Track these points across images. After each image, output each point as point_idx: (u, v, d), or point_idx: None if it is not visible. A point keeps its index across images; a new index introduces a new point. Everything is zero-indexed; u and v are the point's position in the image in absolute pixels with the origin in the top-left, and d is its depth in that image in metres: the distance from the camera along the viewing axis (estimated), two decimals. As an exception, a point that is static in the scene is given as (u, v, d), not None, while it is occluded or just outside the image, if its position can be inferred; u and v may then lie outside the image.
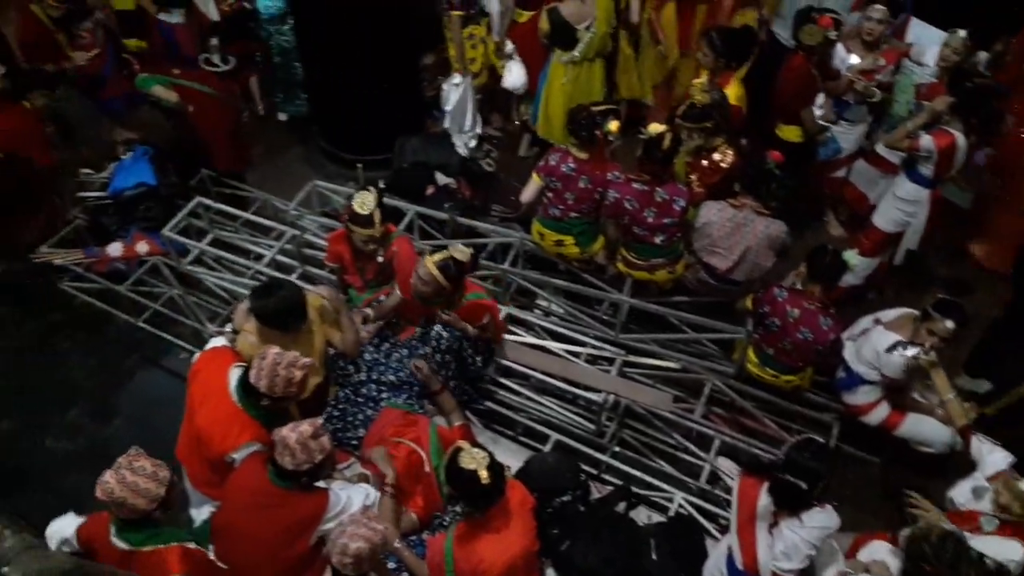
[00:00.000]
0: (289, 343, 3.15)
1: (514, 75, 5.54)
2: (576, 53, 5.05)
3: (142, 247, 4.63)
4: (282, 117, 6.22)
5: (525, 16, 5.44)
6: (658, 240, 4.08)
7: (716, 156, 4.25)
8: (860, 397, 3.83)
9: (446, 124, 5.61)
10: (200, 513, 3.26)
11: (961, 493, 3.23)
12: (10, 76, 4.53)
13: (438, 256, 3.37)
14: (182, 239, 4.58)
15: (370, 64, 5.25)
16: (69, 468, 4.05)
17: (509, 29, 5.53)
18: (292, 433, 2.68)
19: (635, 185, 3.99)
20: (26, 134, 4.58)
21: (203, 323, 4.59)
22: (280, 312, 3.17)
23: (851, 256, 3.68)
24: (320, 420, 2.78)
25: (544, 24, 5.05)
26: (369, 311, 3.80)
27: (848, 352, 3.85)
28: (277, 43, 5.77)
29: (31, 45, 5.04)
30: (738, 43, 4.65)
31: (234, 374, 3.00)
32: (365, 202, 3.59)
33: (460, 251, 3.39)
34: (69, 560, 1.50)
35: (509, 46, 5.50)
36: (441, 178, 5.22)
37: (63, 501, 2.57)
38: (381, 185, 5.11)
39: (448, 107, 5.47)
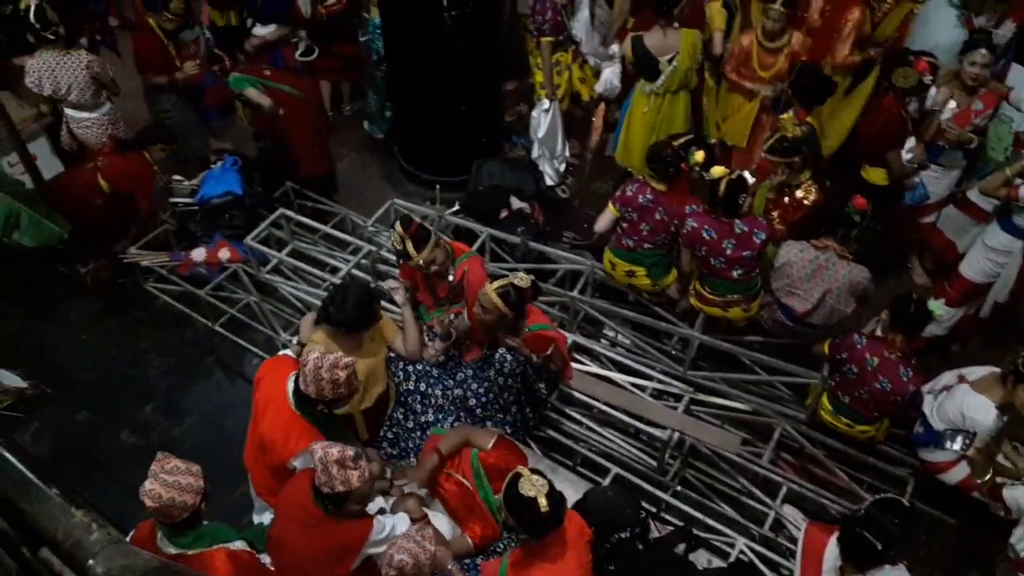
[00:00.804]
0: (354, 352, 3.19)
1: (607, 77, 5.50)
2: (658, 84, 5.02)
3: (224, 253, 4.78)
4: (371, 131, 6.32)
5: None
6: (736, 274, 3.98)
7: (799, 193, 4.15)
8: (939, 455, 3.66)
9: (535, 152, 5.63)
10: (262, 519, 3.32)
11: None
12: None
13: (498, 283, 3.33)
14: (263, 248, 4.72)
15: (452, 87, 5.33)
16: (139, 464, 4.12)
17: (618, 33, 5.53)
18: (320, 451, 2.64)
19: (713, 216, 3.92)
20: (139, 180, 4.83)
21: (277, 331, 4.70)
22: (359, 307, 3.22)
23: (936, 306, 3.55)
24: (351, 451, 2.69)
25: (628, 52, 5.05)
26: (440, 325, 3.79)
27: (928, 407, 3.68)
28: (377, 47, 5.86)
29: (146, 57, 5.29)
30: (815, 87, 4.55)
31: (291, 381, 3.04)
32: (395, 239, 3.60)
33: (521, 278, 3.36)
34: (154, 558, 1.53)
35: (614, 48, 5.47)
36: (515, 202, 5.24)
37: (131, 496, 2.63)
38: (456, 206, 5.24)
39: (539, 134, 5.50)
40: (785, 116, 4.18)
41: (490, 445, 3.38)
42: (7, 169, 5.21)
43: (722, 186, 3.80)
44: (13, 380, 4.45)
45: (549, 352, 3.58)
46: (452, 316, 3.97)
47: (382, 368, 3.57)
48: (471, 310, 3.75)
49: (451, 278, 3.87)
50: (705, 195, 3.96)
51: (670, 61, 4.90)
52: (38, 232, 4.50)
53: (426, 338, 3.80)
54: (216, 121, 5.93)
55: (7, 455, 1.55)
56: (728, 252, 3.91)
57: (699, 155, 4.01)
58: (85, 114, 5.09)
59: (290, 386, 3.03)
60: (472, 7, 4.93)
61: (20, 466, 1.55)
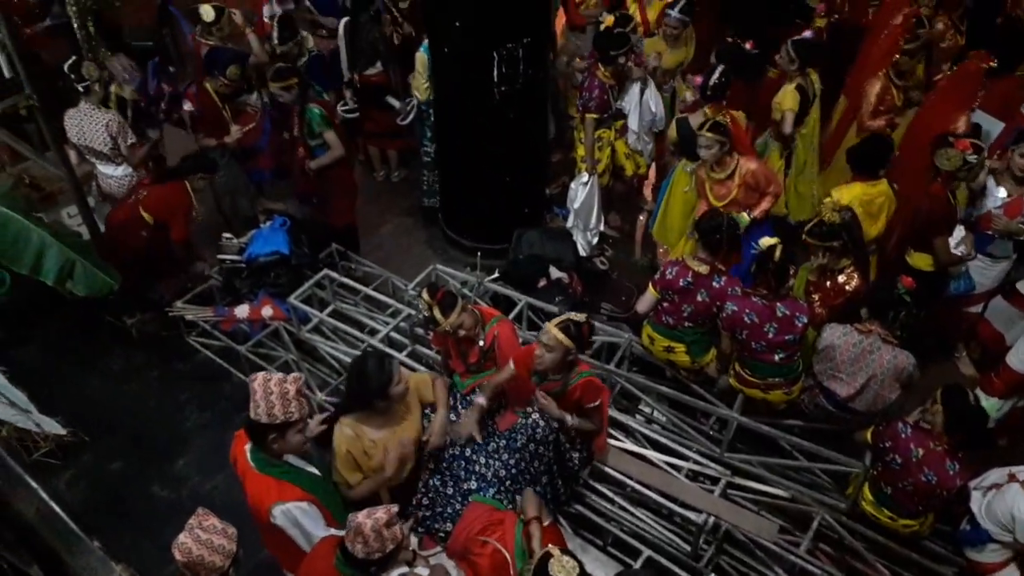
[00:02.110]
0: (390, 426, 3.19)
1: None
2: (691, 167, 5.06)
3: (267, 311, 4.86)
4: (429, 204, 6.42)
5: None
6: (777, 358, 3.94)
7: (841, 278, 4.12)
8: (986, 555, 3.50)
9: (570, 222, 5.70)
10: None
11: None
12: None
13: (556, 320, 3.40)
14: (305, 307, 4.79)
15: (498, 159, 5.46)
16: (170, 518, 4.15)
17: None
18: (368, 520, 2.60)
19: (755, 299, 3.90)
20: (176, 209, 4.96)
21: (313, 390, 4.73)
22: (378, 368, 3.19)
23: (991, 406, 3.44)
24: (395, 508, 2.69)
25: (672, 133, 5.11)
26: (482, 399, 3.77)
27: (975, 504, 3.54)
28: (431, 127, 6.01)
29: (201, 117, 5.52)
30: (872, 154, 4.59)
31: (247, 446, 2.98)
32: (423, 306, 3.62)
33: (576, 314, 3.42)
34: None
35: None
36: (554, 272, 5.27)
37: (161, 551, 2.62)
38: (496, 274, 5.29)
39: (575, 205, 5.58)
40: (827, 200, 4.19)
41: (545, 523, 3.35)
42: (66, 220, 5.43)
43: (777, 253, 3.79)
44: (53, 426, 4.52)
45: (596, 404, 3.56)
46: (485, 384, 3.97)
47: (418, 437, 3.55)
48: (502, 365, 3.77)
49: (481, 343, 3.88)
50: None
51: None
52: (91, 282, 4.62)
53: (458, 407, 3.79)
54: (268, 183, 6.11)
55: (54, 506, 1.57)
56: (770, 336, 3.87)
57: (743, 215, 4.03)
58: (110, 169, 5.31)
59: (247, 450, 2.96)
60: (522, 83, 5.07)
61: (65, 517, 1.57)
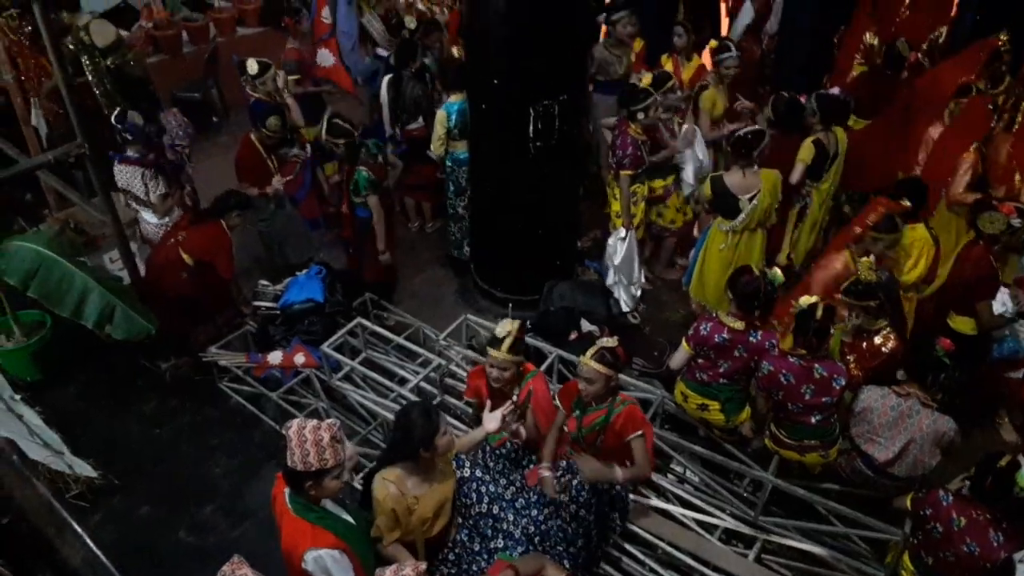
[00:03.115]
0: (430, 481, 3.19)
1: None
2: (737, 222, 5.07)
3: (299, 358, 4.89)
4: (459, 255, 6.46)
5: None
6: (814, 420, 3.86)
7: (877, 340, 4.05)
8: (1035, 632, 3.35)
9: (609, 278, 5.70)
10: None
11: None
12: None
13: (590, 352, 3.49)
14: (337, 355, 4.81)
15: (531, 212, 5.50)
16: (196, 564, 4.17)
17: None
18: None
19: (792, 359, 3.84)
20: (219, 247, 5.09)
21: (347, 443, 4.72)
22: (424, 416, 3.17)
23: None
24: (423, 566, 2.66)
25: (707, 191, 5.13)
26: (546, 472, 3.71)
27: (1022, 576, 3.41)
28: (455, 181, 6.12)
29: (244, 168, 5.67)
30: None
31: (286, 489, 2.98)
32: (505, 326, 3.67)
33: (606, 341, 3.48)
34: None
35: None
36: (586, 325, 5.27)
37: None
38: (528, 325, 5.29)
39: (616, 260, 5.58)
40: (864, 260, 4.15)
41: None
42: (108, 264, 5.55)
43: (819, 312, 3.75)
44: (84, 469, 4.55)
45: (639, 434, 3.56)
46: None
47: (451, 496, 3.51)
48: (542, 425, 3.75)
49: (515, 398, 3.87)
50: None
51: (751, 199, 4.97)
52: (129, 326, 4.70)
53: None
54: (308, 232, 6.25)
55: (99, 555, 1.56)
56: (807, 398, 3.81)
57: (778, 273, 4.01)
58: (149, 215, 5.45)
59: (285, 494, 2.96)
60: (556, 139, 5.14)
61: (110, 566, 1.56)
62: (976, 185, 5.06)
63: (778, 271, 4.00)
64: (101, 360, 5.36)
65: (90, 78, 6.48)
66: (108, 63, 6.70)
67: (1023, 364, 4.69)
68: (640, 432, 3.57)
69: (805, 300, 3.80)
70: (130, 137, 5.23)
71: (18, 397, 4.82)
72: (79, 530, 1.53)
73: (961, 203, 4.97)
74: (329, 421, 2.88)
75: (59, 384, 5.32)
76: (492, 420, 3.50)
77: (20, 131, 6.26)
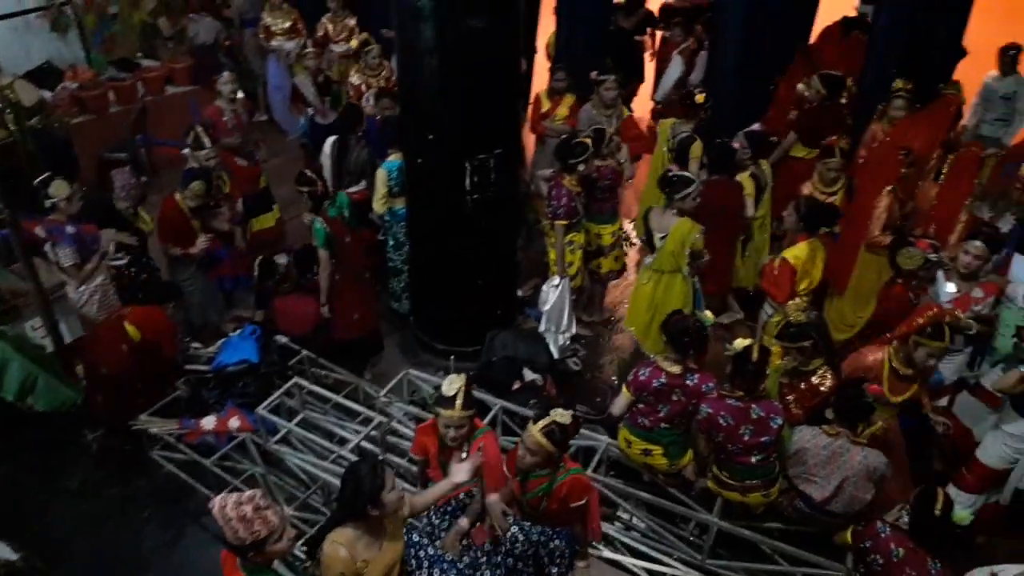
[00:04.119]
0: (380, 541, 3.13)
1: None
2: (648, 259, 5.25)
3: (234, 422, 4.74)
4: (398, 308, 6.42)
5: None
6: (754, 459, 3.92)
7: (815, 379, 4.16)
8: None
9: (542, 324, 5.74)
10: None
11: None
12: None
13: (541, 424, 3.37)
14: (273, 417, 4.69)
15: (469, 263, 5.53)
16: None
17: None
18: None
19: (729, 401, 3.91)
20: (163, 329, 5.01)
21: (280, 504, 4.57)
22: (372, 479, 3.07)
23: (963, 517, 3.42)
24: None
25: (639, 221, 5.28)
26: (464, 522, 3.68)
27: (961, 605, 3.48)
28: (395, 235, 6.10)
29: (167, 229, 5.58)
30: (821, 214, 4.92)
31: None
32: (452, 383, 3.60)
33: (561, 414, 3.38)
34: None
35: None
36: (528, 374, 5.26)
37: None
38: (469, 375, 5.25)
39: (546, 307, 5.63)
40: (791, 303, 4.28)
41: None
42: (30, 333, 5.32)
43: (754, 353, 3.81)
44: (4, 552, 4.29)
45: (582, 503, 3.49)
46: (462, 495, 3.88)
47: (400, 559, 3.42)
48: (490, 484, 3.68)
49: (464, 455, 3.82)
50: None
51: (661, 239, 5.13)
52: (53, 397, 4.52)
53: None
54: (234, 290, 6.12)
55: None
56: (746, 438, 3.87)
57: (708, 315, 4.08)
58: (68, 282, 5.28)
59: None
60: (493, 192, 5.21)
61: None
62: (893, 227, 5.32)
63: (708, 313, 4.08)
64: (22, 433, 5.10)
65: (15, 138, 6.30)
66: (32, 123, 6.55)
67: (946, 392, 4.87)
68: (584, 500, 3.53)
69: (740, 343, 3.88)
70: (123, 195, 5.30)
71: (-68, 477, 4.56)
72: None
73: (878, 245, 5.20)
74: (248, 493, 2.84)
75: (-24, 460, 5.04)
76: (461, 471, 3.42)
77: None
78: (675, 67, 8.07)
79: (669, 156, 6.19)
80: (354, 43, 7.65)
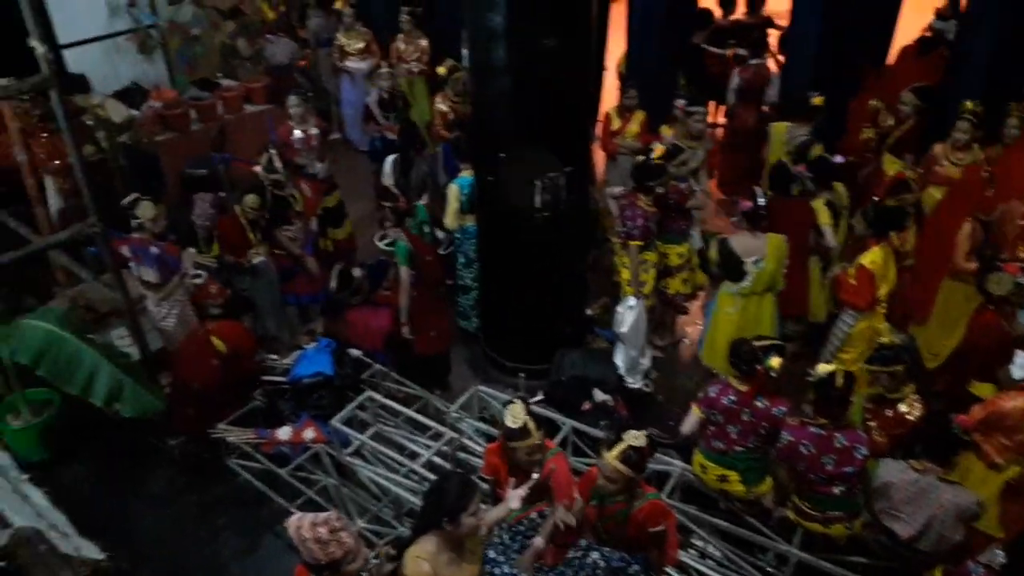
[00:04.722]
0: (459, 559, 3.13)
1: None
2: (743, 285, 5.09)
3: (309, 434, 4.82)
4: (466, 326, 6.43)
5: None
6: (837, 490, 3.79)
7: (903, 408, 4.00)
8: None
9: (618, 347, 5.68)
10: None
11: None
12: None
13: (616, 450, 3.31)
14: (347, 430, 4.74)
15: (539, 281, 5.53)
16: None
17: None
18: None
19: (811, 428, 3.79)
20: (246, 341, 5.17)
21: (352, 516, 4.63)
22: (457, 496, 3.08)
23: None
24: None
25: (712, 253, 5.17)
26: (540, 541, 3.65)
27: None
28: (465, 253, 6.14)
29: (228, 239, 5.75)
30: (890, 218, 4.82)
31: None
32: (515, 415, 3.55)
33: (635, 436, 3.32)
34: None
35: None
36: (598, 395, 5.21)
37: None
38: (539, 396, 5.24)
39: (623, 328, 5.58)
40: (882, 325, 4.14)
41: None
42: (117, 341, 5.53)
43: (839, 380, 3.69)
44: (92, 551, 4.45)
45: (660, 528, 3.43)
46: (533, 515, 3.85)
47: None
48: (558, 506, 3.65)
49: (536, 475, 3.80)
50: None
51: (756, 262, 5.00)
52: (138, 403, 4.67)
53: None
54: (309, 305, 6.25)
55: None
56: (828, 468, 3.75)
57: (775, 361, 3.95)
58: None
59: None
60: (563, 209, 5.20)
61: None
62: (978, 251, 5.12)
63: (775, 361, 3.95)
64: (109, 438, 5.30)
65: (106, 155, 6.58)
66: (123, 139, 6.83)
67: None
68: (662, 527, 3.46)
69: (823, 368, 3.77)
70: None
71: (25, 478, 4.76)
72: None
73: (965, 271, 5.01)
74: (324, 515, 2.90)
75: (66, 463, 5.24)
76: (515, 498, 3.41)
77: (31, 210, 6.33)
78: (733, 82, 7.95)
79: (788, 159, 6.07)
80: (442, 70, 7.70)
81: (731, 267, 5.10)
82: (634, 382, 5.71)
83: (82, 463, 5.27)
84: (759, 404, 4.00)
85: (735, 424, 4.06)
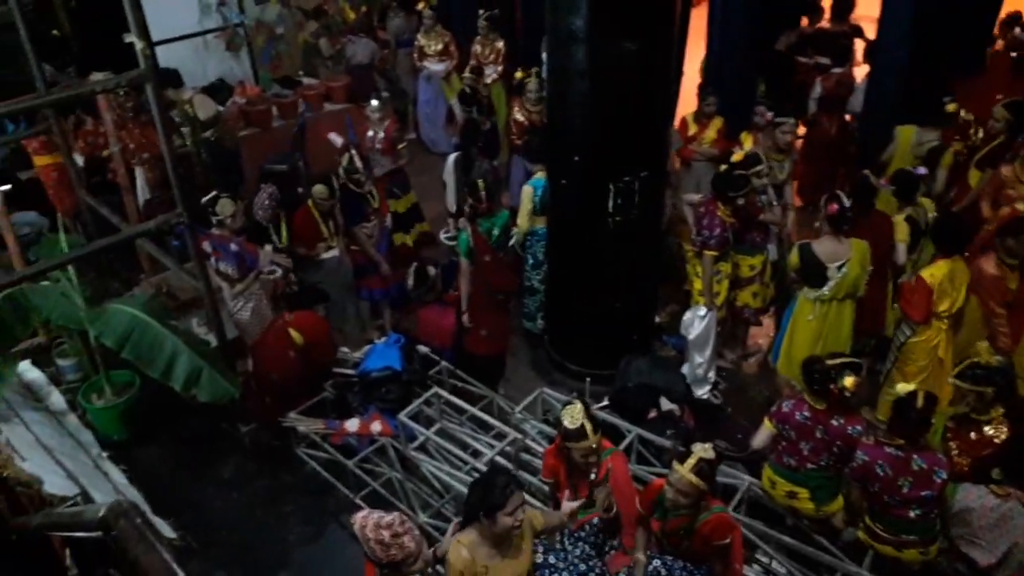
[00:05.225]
0: (502, 553, 3.16)
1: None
2: (824, 291, 4.96)
3: (376, 426, 4.90)
4: (531, 328, 6.44)
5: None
6: (912, 514, 3.65)
7: (989, 431, 3.82)
8: None
9: (687, 355, 5.61)
10: None
11: None
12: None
13: (689, 463, 3.24)
14: (413, 424, 4.81)
15: (608, 286, 5.50)
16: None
17: None
18: None
19: (888, 449, 3.66)
20: (323, 332, 5.26)
21: (415, 511, 4.68)
22: (499, 493, 3.11)
23: None
24: None
25: (794, 259, 5.06)
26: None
27: None
28: (534, 254, 6.14)
29: (299, 232, 5.88)
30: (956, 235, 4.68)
31: None
32: (574, 415, 3.55)
33: (704, 449, 3.27)
34: None
35: None
36: (665, 403, 5.14)
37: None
38: (604, 401, 5.21)
39: (691, 335, 5.50)
40: (982, 344, 3.97)
41: None
42: (195, 328, 5.73)
43: (919, 400, 3.55)
44: (165, 529, 4.60)
45: (726, 541, 3.37)
46: (595, 521, 3.83)
47: (527, 572, 3.42)
48: (623, 507, 3.63)
49: (593, 475, 3.78)
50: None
51: (839, 268, 4.87)
52: (214, 389, 4.79)
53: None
54: (381, 300, 6.35)
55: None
56: (904, 491, 3.61)
57: (849, 381, 3.82)
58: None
59: None
60: (636, 214, 5.16)
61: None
62: None
63: (851, 380, 3.82)
64: (185, 422, 5.49)
65: (190, 149, 6.83)
66: (207, 135, 7.07)
67: None
68: (727, 540, 3.40)
69: (903, 387, 3.63)
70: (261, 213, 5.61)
71: (105, 455, 4.95)
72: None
73: None
74: (389, 517, 2.97)
75: (143, 444, 5.45)
76: (569, 514, 3.45)
77: (121, 199, 6.61)
78: (814, 91, 7.74)
79: (917, 163, 5.93)
80: (520, 75, 7.71)
81: (812, 272, 4.98)
82: (701, 392, 5.61)
83: (158, 444, 5.49)
84: (834, 422, 3.89)
85: (808, 440, 3.96)
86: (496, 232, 5.42)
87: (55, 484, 3.82)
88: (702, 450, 3.27)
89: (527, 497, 4.20)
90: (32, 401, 4.88)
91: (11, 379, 4.69)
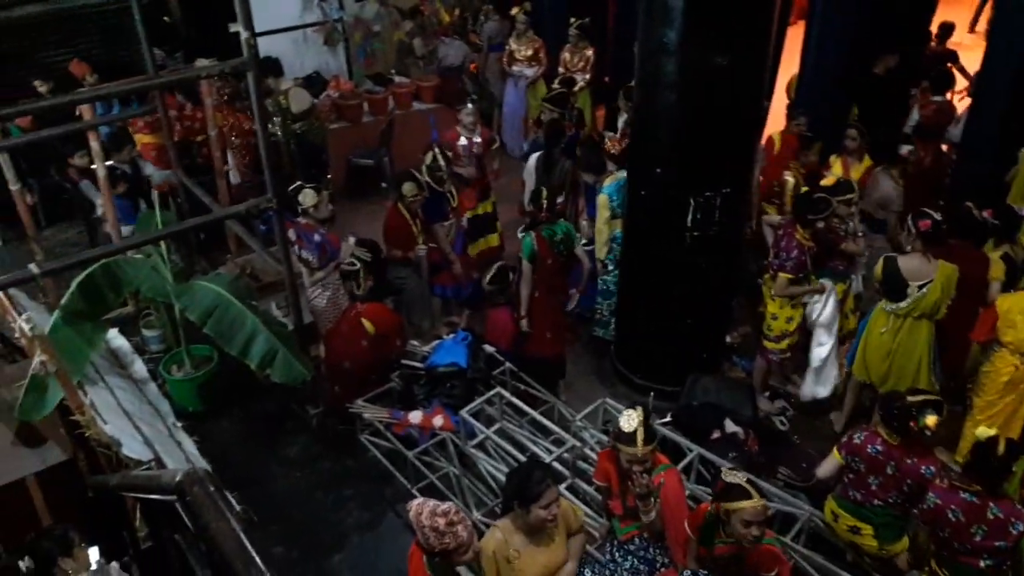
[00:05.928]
0: (534, 542, 3.25)
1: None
2: (900, 305, 4.83)
3: (438, 420, 4.97)
4: (602, 334, 6.43)
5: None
6: (983, 564, 3.49)
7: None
8: None
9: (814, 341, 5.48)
10: None
11: None
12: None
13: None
14: (474, 422, 4.86)
15: (681, 302, 5.44)
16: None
17: None
18: None
19: (963, 494, 3.50)
20: (393, 323, 5.39)
21: (470, 507, 4.73)
22: (534, 485, 3.21)
23: None
24: None
25: (877, 270, 4.92)
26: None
27: None
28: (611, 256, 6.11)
29: (392, 233, 5.99)
30: None
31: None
32: (631, 420, 3.55)
33: (728, 472, 3.34)
34: None
35: None
36: (730, 425, 5.06)
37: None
38: (667, 417, 5.15)
39: (820, 317, 5.37)
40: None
41: None
42: (274, 311, 5.92)
43: (1000, 446, 3.40)
44: (231, 502, 4.78)
45: (773, 574, 3.31)
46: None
47: (560, 567, 3.45)
48: (671, 527, 3.59)
49: (639, 489, 3.73)
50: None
51: (920, 287, 4.73)
52: (288, 371, 4.96)
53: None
54: (453, 297, 6.44)
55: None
56: (977, 539, 3.45)
57: (931, 420, 3.68)
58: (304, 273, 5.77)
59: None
60: (715, 231, 5.09)
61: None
62: None
63: (932, 419, 3.68)
64: (256, 400, 5.69)
65: (280, 139, 7.08)
66: (296, 127, 7.32)
67: None
68: (774, 572, 3.32)
69: (983, 432, 3.47)
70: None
71: (179, 425, 5.17)
72: (264, 569, 1.63)
73: None
74: (444, 506, 3.00)
75: (216, 417, 5.68)
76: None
77: (214, 181, 6.90)
78: (912, 118, 7.48)
79: None
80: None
81: (893, 286, 4.85)
82: (824, 393, 5.52)
83: (230, 420, 5.70)
84: (908, 460, 3.76)
85: (877, 475, 3.83)
86: (558, 238, 5.43)
87: (132, 448, 4.00)
88: (727, 473, 3.34)
89: (581, 505, 4.21)
90: (117, 367, 5.13)
91: (100, 345, 4.95)
